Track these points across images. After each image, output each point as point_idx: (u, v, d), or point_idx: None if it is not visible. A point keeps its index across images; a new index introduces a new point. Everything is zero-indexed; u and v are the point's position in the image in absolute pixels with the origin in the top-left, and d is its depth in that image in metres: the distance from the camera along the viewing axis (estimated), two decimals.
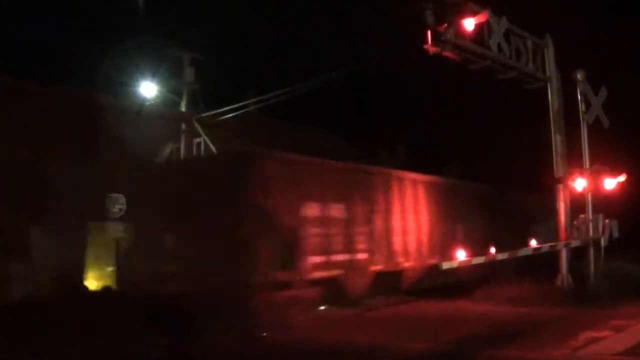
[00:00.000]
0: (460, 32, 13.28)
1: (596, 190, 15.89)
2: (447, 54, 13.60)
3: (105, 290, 14.43)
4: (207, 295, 12.01)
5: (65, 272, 13.88)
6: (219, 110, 19.20)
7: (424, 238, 18.36)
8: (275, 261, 13.74)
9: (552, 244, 15.64)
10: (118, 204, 15.30)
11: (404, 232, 17.59)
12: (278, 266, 13.78)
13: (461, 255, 13.91)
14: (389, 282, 16.84)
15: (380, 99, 31.30)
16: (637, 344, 9.88)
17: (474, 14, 13.28)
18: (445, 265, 13.68)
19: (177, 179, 15.02)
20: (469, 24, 13.16)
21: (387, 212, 17.05)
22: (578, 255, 16.11)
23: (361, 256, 16.00)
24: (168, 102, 21.19)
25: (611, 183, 15.77)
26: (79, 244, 14.78)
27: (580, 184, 15.88)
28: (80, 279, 14.60)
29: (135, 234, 15.13)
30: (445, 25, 12.95)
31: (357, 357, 10.14)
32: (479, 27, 13.82)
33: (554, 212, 16.26)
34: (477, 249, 16.04)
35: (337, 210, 15.48)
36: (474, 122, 27.94)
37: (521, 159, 24.48)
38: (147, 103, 19.76)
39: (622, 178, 15.80)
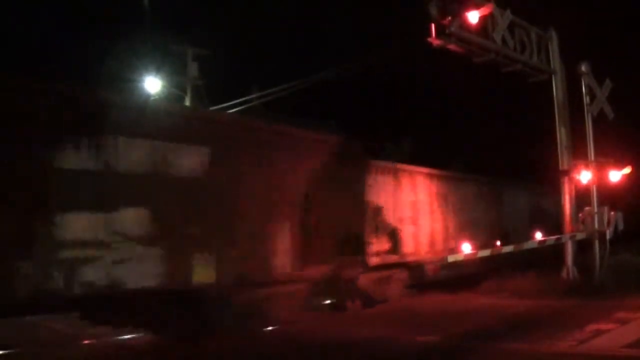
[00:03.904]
0: (464, 25, 13.26)
1: (601, 182, 15.89)
2: (451, 46, 13.59)
3: None
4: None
5: None
6: (222, 105, 19.25)
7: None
8: None
9: (558, 236, 15.65)
10: None
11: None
12: None
13: (467, 248, 13.95)
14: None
15: (386, 92, 31.29)
16: None
17: (477, 6, 13.25)
18: (451, 259, 13.72)
19: None
20: (473, 16, 13.12)
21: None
22: (583, 247, 16.10)
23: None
24: (172, 97, 21.25)
25: (616, 175, 15.77)
26: None
27: (585, 176, 15.87)
28: None
29: None
30: (450, 18, 12.92)
31: (364, 349, 10.17)
32: (483, 19, 13.79)
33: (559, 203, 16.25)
34: (483, 241, 16.07)
35: None
36: (480, 115, 27.93)
37: (526, 151, 24.47)
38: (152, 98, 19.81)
39: (627, 170, 15.80)
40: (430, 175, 18.32)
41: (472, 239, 16.51)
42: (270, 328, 11.96)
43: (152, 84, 21.35)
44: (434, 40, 13.10)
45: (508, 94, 23.29)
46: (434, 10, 12.90)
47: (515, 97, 23.08)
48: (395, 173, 16.49)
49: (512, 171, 23.32)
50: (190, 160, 11.29)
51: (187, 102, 20.81)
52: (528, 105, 22.66)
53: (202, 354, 10.03)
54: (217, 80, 22.66)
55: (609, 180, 15.81)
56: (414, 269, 16.44)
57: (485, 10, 13.36)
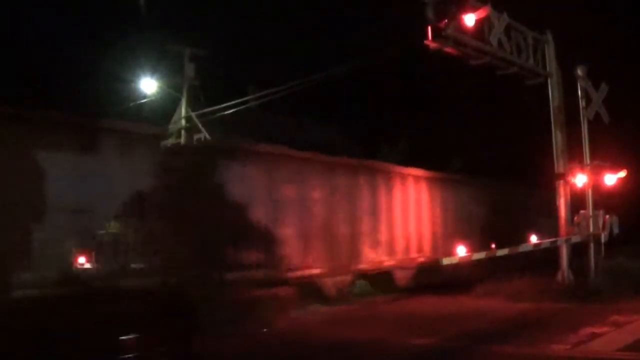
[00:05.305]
0: (460, 28, 13.23)
1: (596, 186, 15.88)
2: (447, 49, 13.58)
3: None
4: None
5: None
6: (219, 106, 19.16)
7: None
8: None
9: (553, 239, 15.65)
10: None
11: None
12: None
13: (461, 251, 13.95)
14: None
15: (383, 94, 31.27)
16: (638, 340, 9.88)
17: (474, 9, 13.23)
18: (446, 261, 13.71)
19: None
20: (470, 19, 13.09)
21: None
22: (578, 251, 16.10)
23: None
24: (168, 98, 21.18)
25: (611, 179, 15.76)
26: None
27: (580, 179, 15.87)
28: None
29: None
30: (446, 21, 12.89)
31: (359, 352, 10.16)
32: (480, 22, 13.77)
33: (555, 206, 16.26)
34: (478, 244, 16.08)
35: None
36: (477, 117, 27.95)
37: (523, 154, 24.48)
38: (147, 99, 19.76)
39: (622, 174, 15.78)
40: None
41: (466, 241, 16.49)
42: (265, 330, 11.94)
43: (148, 85, 21.28)
44: (430, 42, 13.07)
45: (506, 97, 23.30)
46: (430, 13, 12.89)
47: (513, 99, 23.08)
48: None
49: (507, 173, 23.35)
50: None
51: (184, 103, 20.74)
52: (525, 108, 22.66)
53: None
54: (215, 80, 22.61)
55: (605, 183, 15.81)
56: None
57: (481, 12, 13.34)
